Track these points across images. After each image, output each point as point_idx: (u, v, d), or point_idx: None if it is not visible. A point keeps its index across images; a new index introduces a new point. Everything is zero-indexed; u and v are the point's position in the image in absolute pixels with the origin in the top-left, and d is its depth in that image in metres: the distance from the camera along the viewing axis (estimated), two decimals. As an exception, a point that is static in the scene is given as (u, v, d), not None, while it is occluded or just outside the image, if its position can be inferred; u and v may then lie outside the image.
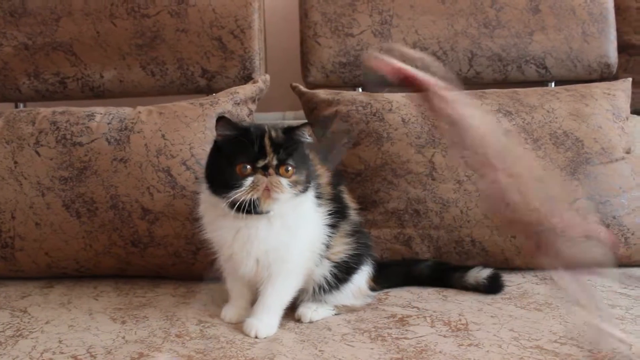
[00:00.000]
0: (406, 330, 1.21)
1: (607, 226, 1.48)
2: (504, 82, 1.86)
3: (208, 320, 1.28)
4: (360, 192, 1.51)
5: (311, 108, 1.64)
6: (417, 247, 1.48)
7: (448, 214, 1.47)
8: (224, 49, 1.76)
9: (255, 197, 1.13)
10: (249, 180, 1.13)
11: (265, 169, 1.13)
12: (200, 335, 1.21)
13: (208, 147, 1.51)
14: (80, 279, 1.53)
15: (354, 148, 1.53)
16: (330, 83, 1.81)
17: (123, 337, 1.20)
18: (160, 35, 1.76)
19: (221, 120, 1.17)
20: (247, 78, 1.77)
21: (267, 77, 1.72)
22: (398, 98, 1.59)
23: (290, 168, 1.14)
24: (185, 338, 1.19)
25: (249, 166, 1.13)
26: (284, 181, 1.14)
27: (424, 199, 1.48)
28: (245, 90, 1.64)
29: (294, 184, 1.15)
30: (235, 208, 1.14)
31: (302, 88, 1.67)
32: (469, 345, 1.14)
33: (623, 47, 1.92)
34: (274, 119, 1.99)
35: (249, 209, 1.13)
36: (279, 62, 2.02)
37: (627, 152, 1.61)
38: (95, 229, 1.47)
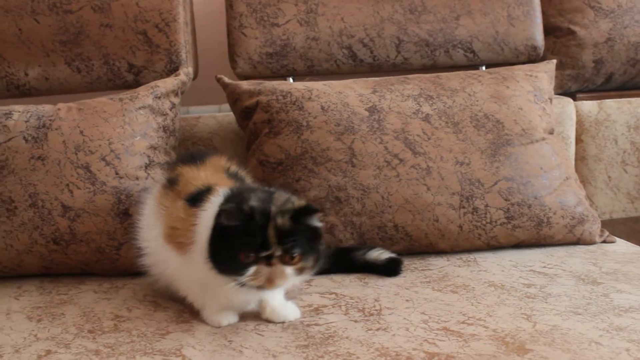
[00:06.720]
0: (319, 317, 1.21)
1: (529, 207, 1.50)
2: (434, 68, 1.87)
3: (124, 315, 1.27)
4: (282, 181, 1.50)
5: (234, 99, 1.63)
6: (340, 235, 1.48)
7: (369, 200, 1.47)
8: (149, 43, 1.74)
9: (256, 285, 1.11)
10: (252, 270, 1.09)
11: (268, 259, 1.10)
12: (114, 329, 1.21)
13: (127, 142, 1.52)
14: (4, 280, 1.51)
15: (274, 137, 1.53)
16: (258, 74, 1.80)
17: (35, 335, 1.19)
18: (84, 30, 1.74)
19: (223, 212, 1.11)
20: (174, 71, 1.75)
21: (190, 69, 1.70)
22: (318, 86, 1.58)
23: (296, 256, 1.11)
24: (97, 333, 1.19)
25: (252, 254, 1.09)
26: (289, 270, 1.11)
27: (344, 185, 1.48)
28: (167, 84, 1.62)
29: (300, 271, 1.12)
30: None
31: (226, 80, 1.66)
32: (377, 329, 1.14)
33: (550, 30, 1.94)
34: (211, 112, 1.98)
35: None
36: (212, 55, 2.01)
37: (550, 133, 1.62)
38: (15, 228, 1.45)
